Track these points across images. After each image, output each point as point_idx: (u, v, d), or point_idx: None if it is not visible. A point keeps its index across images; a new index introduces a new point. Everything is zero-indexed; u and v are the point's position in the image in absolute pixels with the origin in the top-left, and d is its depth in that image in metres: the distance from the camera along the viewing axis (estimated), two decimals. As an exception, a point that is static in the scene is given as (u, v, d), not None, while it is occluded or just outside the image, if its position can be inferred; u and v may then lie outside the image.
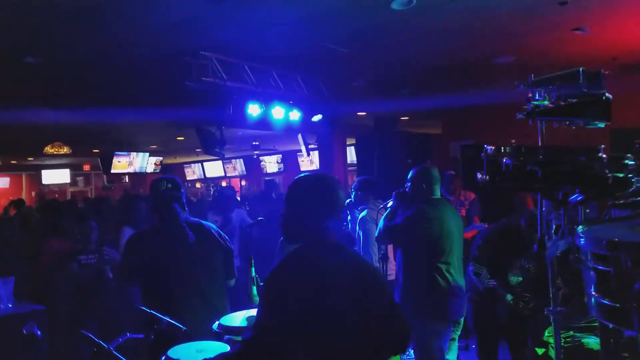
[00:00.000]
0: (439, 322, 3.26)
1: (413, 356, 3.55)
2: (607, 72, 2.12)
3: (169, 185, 2.78)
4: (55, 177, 16.79)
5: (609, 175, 1.58)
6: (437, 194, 3.44)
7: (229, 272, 2.93)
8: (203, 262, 2.75)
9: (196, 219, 2.92)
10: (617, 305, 1.38)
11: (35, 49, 4.72)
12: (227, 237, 2.96)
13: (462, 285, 3.38)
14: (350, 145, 10.04)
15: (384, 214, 3.54)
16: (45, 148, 10.62)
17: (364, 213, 4.49)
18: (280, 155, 15.84)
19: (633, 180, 1.65)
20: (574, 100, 2.04)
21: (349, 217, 5.09)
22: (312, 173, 1.92)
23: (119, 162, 13.80)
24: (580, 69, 2.07)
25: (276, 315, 1.55)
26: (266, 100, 5.81)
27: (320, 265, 1.62)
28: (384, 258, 4.13)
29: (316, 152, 9.66)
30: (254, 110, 5.69)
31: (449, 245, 3.30)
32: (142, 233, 2.93)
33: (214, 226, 2.96)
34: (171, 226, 2.75)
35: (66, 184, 17.17)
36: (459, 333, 3.54)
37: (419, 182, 3.41)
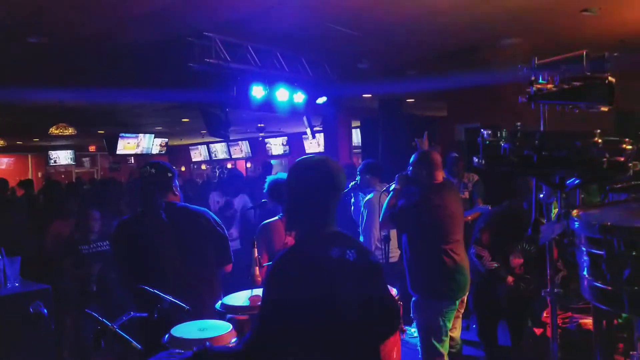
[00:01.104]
0: (444, 300, 3.33)
1: (413, 334, 3.61)
2: (614, 54, 2.09)
3: (152, 171, 2.76)
4: (61, 157, 16.92)
5: (604, 159, 1.58)
6: (439, 178, 3.46)
7: (222, 258, 2.87)
8: (182, 247, 2.70)
9: (184, 204, 2.88)
10: (609, 288, 1.40)
11: (38, 29, 4.72)
12: (220, 222, 2.90)
13: (466, 265, 3.43)
14: (356, 127, 10.01)
15: (386, 199, 3.56)
16: (50, 129, 10.68)
17: (370, 196, 4.52)
18: (286, 138, 15.83)
19: (630, 164, 1.65)
20: (577, 84, 2.03)
21: (352, 200, 5.11)
22: (313, 156, 1.89)
23: (126, 143, 13.86)
24: (584, 52, 2.05)
25: (278, 310, 1.55)
26: (270, 81, 5.79)
27: (319, 259, 1.60)
28: (386, 239, 4.16)
29: (321, 134, 9.64)
30: (257, 92, 5.68)
31: (453, 227, 3.36)
32: (125, 220, 2.90)
33: (206, 211, 2.91)
34: (149, 212, 2.74)
35: (72, 164, 17.29)
36: (463, 311, 3.59)
37: (419, 168, 3.45)
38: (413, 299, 3.43)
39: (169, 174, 2.83)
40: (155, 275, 2.56)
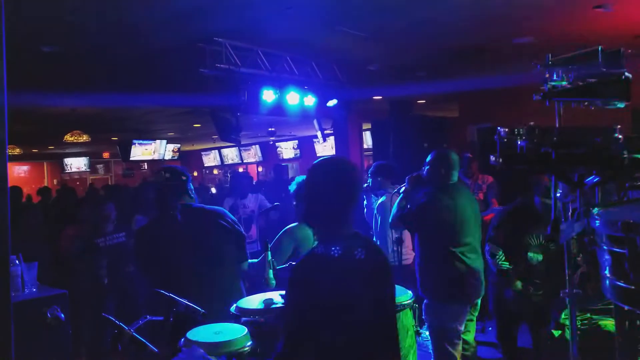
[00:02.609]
0: (456, 304, 3.28)
1: (429, 337, 3.57)
2: (629, 50, 2.06)
3: (167, 175, 2.85)
4: (75, 164, 17.13)
5: (625, 156, 1.55)
6: (455, 178, 3.41)
7: (240, 255, 2.94)
8: (199, 247, 2.75)
9: (200, 204, 2.95)
10: (632, 287, 1.37)
11: (51, 38, 4.78)
12: (236, 221, 2.95)
13: (480, 268, 3.38)
14: (366, 129, 9.99)
15: (397, 200, 3.54)
16: (65, 136, 10.82)
17: (382, 198, 4.50)
18: (297, 141, 15.84)
19: (651, 161, 1.61)
20: (593, 81, 1.99)
21: (365, 202, 5.10)
22: (331, 157, 1.90)
23: (139, 149, 13.97)
24: (599, 48, 2.02)
25: (303, 312, 1.56)
26: (280, 85, 5.80)
27: (340, 261, 1.62)
28: (399, 242, 4.14)
29: (332, 137, 9.63)
30: (268, 96, 5.69)
31: (464, 230, 3.30)
32: (146, 225, 3.03)
33: (223, 210, 2.98)
34: (165, 215, 2.81)
35: (86, 171, 17.49)
36: (476, 314, 3.55)
37: (437, 167, 3.38)
38: (425, 301, 3.39)
39: (183, 178, 2.90)
40: (174, 278, 2.59)
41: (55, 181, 17.13)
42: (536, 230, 3.64)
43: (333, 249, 1.64)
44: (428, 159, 3.46)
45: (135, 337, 1.80)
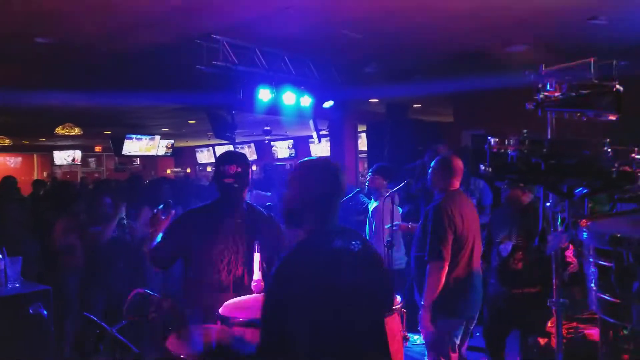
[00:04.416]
0: (454, 318, 3.18)
1: (417, 343, 3.54)
2: (622, 63, 2.06)
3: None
4: (66, 157, 16.98)
5: (614, 168, 1.55)
6: (456, 185, 3.30)
7: None
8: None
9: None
10: (618, 301, 1.37)
11: (46, 29, 4.74)
12: None
13: (480, 282, 3.29)
14: (362, 132, 9.99)
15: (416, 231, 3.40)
16: (56, 129, 10.71)
17: (376, 203, 4.58)
18: (292, 141, 15.82)
19: (640, 174, 1.61)
20: (585, 92, 2.00)
21: (364, 200, 5.16)
22: (315, 158, 1.94)
23: (132, 144, 13.90)
24: (592, 60, 2.02)
25: (292, 304, 1.55)
26: (277, 84, 5.78)
27: (330, 251, 1.65)
28: (390, 245, 4.14)
29: (327, 138, 9.62)
30: (264, 95, 5.66)
31: (467, 239, 3.18)
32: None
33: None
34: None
35: (77, 165, 17.35)
36: (472, 328, 3.46)
37: (440, 173, 3.28)
38: (421, 311, 3.27)
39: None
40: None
41: (45, 174, 16.98)
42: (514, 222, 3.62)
43: (327, 240, 1.65)
44: (432, 164, 3.37)
45: (117, 337, 1.78)
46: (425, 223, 3.20)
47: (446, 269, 3.05)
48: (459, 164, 3.31)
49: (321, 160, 1.89)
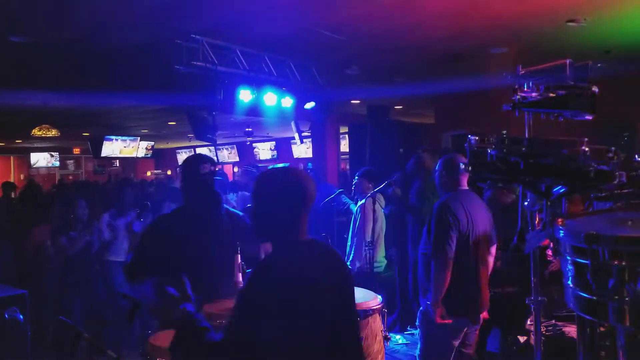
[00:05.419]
0: (462, 318, 3.10)
1: (399, 342, 3.55)
2: (599, 65, 2.10)
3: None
4: (44, 160, 16.63)
5: (591, 168, 1.58)
6: (465, 184, 3.22)
7: None
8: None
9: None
10: (594, 298, 1.39)
11: (21, 28, 4.64)
12: None
13: (484, 280, 3.19)
14: (344, 133, 10.01)
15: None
16: (33, 130, 10.48)
17: (363, 200, 4.70)
18: (274, 142, 15.78)
19: (616, 173, 1.64)
20: (562, 93, 2.03)
21: (346, 200, 5.28)
22: (279, 167, 1.89)
23: (111, 146, 13.69)
24: (568, 62, 2.06)
25: (254, 320, 1.54)
26: (258, 85, 5.75)
27: (296, 267, 1.62)
28: (370, 245, 4.18)
29: (309, 140, 9.63)
30: (245, 96, 5.63)
31: (474, 238, 3.11)
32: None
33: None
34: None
35: (55, 167, 17.02)
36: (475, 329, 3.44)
37: (446, 174, 3.22)
38: (422, 309, 3.21)
39: None
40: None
41: (22, 176, 16.60)
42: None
43: (293, 255, 1.64)
44: (437, 165, 3.29)
45: (94, 341, 1.75)
46: (430, 221, 3.16)
47: (450, 266, 3.03)
48: (463, 162, 3.13)
49: (281, 170, 1.78)
